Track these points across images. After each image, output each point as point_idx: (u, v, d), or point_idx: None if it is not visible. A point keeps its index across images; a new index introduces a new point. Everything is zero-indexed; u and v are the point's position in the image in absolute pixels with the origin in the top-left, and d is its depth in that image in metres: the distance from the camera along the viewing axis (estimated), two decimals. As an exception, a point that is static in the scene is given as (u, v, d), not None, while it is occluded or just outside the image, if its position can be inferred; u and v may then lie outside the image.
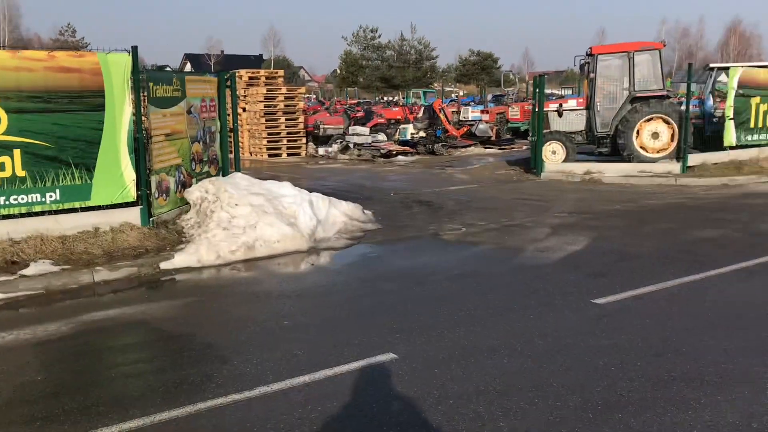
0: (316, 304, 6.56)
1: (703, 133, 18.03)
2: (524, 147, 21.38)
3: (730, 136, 16.03)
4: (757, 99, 16.35)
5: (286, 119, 21.52)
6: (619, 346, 5.30)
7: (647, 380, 4.65)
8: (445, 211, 11.46)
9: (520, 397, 4.43)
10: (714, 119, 18.05)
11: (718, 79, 18.22)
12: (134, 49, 8.43)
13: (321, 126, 22.91)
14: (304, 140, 22.12)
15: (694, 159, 15.41)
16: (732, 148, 16.16)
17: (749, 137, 16.49)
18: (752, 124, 16.39)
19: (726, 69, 17.61)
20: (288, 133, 21.62)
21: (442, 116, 22.14)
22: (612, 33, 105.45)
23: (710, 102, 18.63)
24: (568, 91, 46.37)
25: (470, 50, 72.85)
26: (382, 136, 21.67)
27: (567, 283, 7.07)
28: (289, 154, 21.57)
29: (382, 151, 20.34)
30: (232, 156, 11.93)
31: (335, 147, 21.38)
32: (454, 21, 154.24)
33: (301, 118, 22.05)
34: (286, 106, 21.47)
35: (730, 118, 15.89)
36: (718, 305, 6.27)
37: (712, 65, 20.35)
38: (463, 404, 4.34)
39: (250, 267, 8.03)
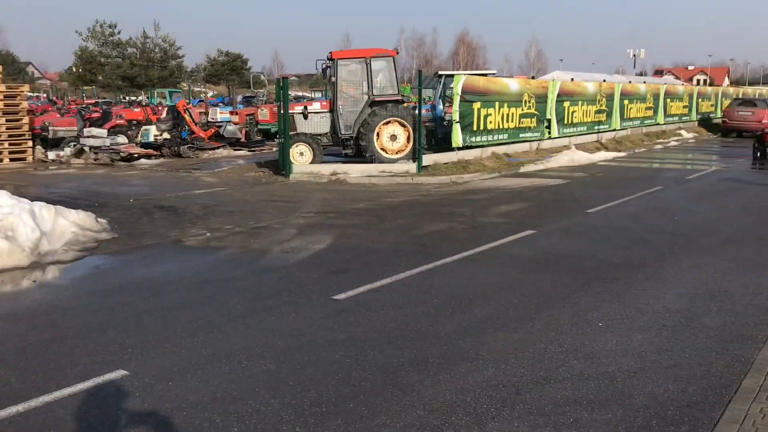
0: (37, 325, 5.93)
1: (435, 135, 19.63)
2: (274, 149, 21.49)
3: (457, 138, 17.64)
4: (479, 104, 18.20)
5: (7, 120, 19.21)
6: (355, 338, 5.53)
7: (379, 368, 4.91)
8: (190, 216, 11.09)
9: (257, 399, 4.41)
10: (444, 122, 19.74)
11: (450, 86, 19.94)
12: None
13: (50, 128, 20.89)
14: (30, 143, 19.98)
15: (428, 159, 16.69)
16: (459, 148, 17.80)
17: (473, 139, 18.29)
18: (475, 127, 18.21)
19: (452, 77, 19.35)
20: (10, 136, 19.35)
21: (187, 117, 21.43)
22: (357, 39, 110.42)
23: (440, 107, 20.34)
24: (319, 94, 47.65)
25: (219, 50, 71.60)
26: (122, 139, 20.39)
27: (310, 281, 7.22)
28: (12, 159, 19.32)
29: (122, 154, 19.14)
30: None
31: (68, 150, 19.64)
32: (201, 20, 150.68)
33: (26, 119, 19.88)
34: (6, 105, 19.19)
35: (457, 122, 17.49)
36: (444, 292, 6.83)
37: (441, 72, 22.24)
38: (197, 414, 4.21)
39: (-44, 288, 7.04)
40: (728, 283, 7.09)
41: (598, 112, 25.52)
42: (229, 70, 69.72)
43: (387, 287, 7.00)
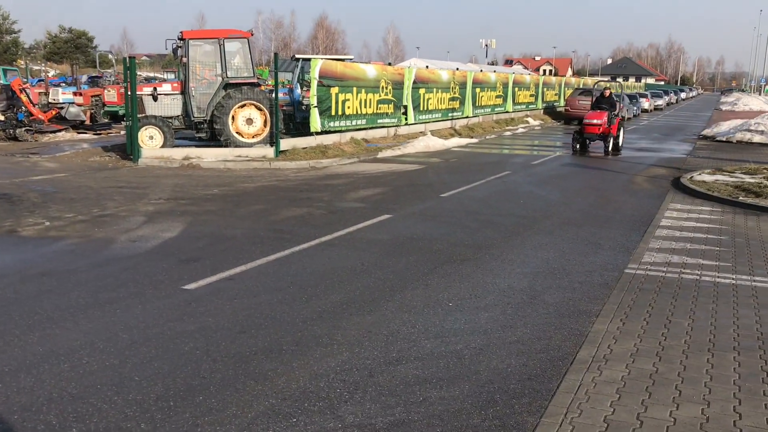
0: None
1: (294, 119, 19.47)
2: (123, 132, 20.39)
3: (315, 122, 17.58)
4: (336, 89, 18.23)
5: None
6: (206, 328, 5.36)
7: (230, 358, 4.79)
8: (27, 204, 10.27)
9: (98, 397, 4.16)
10: (303, 107, 19.61)
11: (308, 70, 19.78)
12: None
13: None
14: None
15: (286, 144, 16.52)
16: (318, 133, 17.76)
17: (332, 124, 18.32)
18: (333, 112, 18.23)
19: (309, 60, 19.22)
20: None
21: (24, 97, 19.80)
22: (213, 19, 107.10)
23: (298, 90, 20.16)
24: (172, 75, 45.70)
25: (61, 26, 66.83)
26: (-54, 120, 18.51)
27: (158, 271, 6.92)
28: None
29: (-54, 137, 17.37)
30: None
31: None
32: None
33: None
34: None
35: (315, 106, 17.42)
36: (300, 278, 6.78)
37: (298, 56, 22.02)
38: (30, 416, 3.90)
39: None
40: (567, 262, 7.59)
41: (452, 99, 26.41)
42: (72, 48, 65.33)
43: (241, 275, 6.85)
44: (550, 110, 38.80)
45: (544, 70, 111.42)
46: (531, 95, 36.92)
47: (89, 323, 5.43)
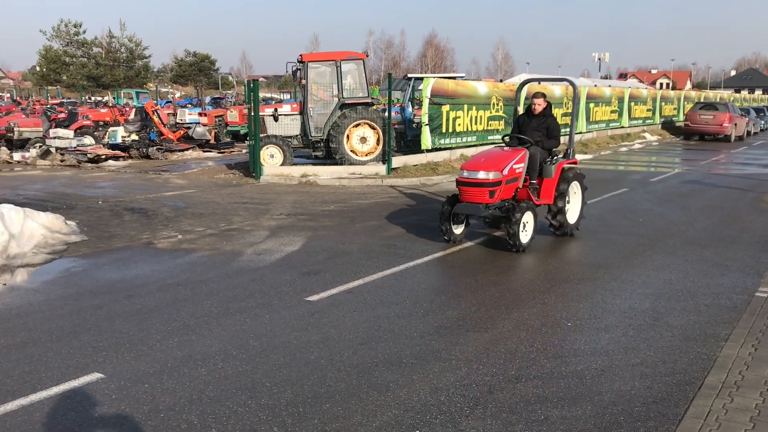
0: (9, 329, 5.86)
1: (405, 137, 19.77)
2: (244, 151, 21.47)
3: (426, 140, 17.78)
4: (447, 107, 18.36)
5: (-29, 121, 18.88)
6: (329, 339, 5.59)
7: (353, 369, 4.98)
8: (160, 218, 11.03)
9: (234, 401, 4.45)
10: (413, 125, 19.88)
11: (419, 88, 20.08)
12: None
13: (15, 128, 20.52)
14: (-6, 144, 19.61)
15: (398, 161, 16.80)
16: (429, 151, 17.94)
17: (442, 141, 18.46)
18: (444, 129, 18.38)
19: (421, 79, 19.49)
20: (-27, 137, 18.99)
21: (155, 118, 21.24)
22: (325, 40, 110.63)
23: (409, 109, 20.47)
24: (287, 96, 47.53)
25: (186, 50, 71.08)
26: (89, 140, 20.12)
27: (283, 283, 7.26)
28: (-24, 161, 18.96)
29: (89, 155, 18.87)
30: None
31: (33, 152, 19.31)
32: (168, 20, 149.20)
33: (-10, 120, 19.53)
34: (-31, 105, 18.83)
35: (426, 124, 17.63)
36: (416, 292, 6.93)
37: (410, 75, 22.38)
38: (174, 416, 4.24)
39: None
40: (691, 283, 7.32)
41: (565, 114, 25.89)
42: (196, 71, 69.25)
43: (359, 288, 7.07)
44: (668, 125, 37.23)
45: (661, 84, 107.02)
46: (648, 110, 35.59)
47: (222, 331, 5.80)
